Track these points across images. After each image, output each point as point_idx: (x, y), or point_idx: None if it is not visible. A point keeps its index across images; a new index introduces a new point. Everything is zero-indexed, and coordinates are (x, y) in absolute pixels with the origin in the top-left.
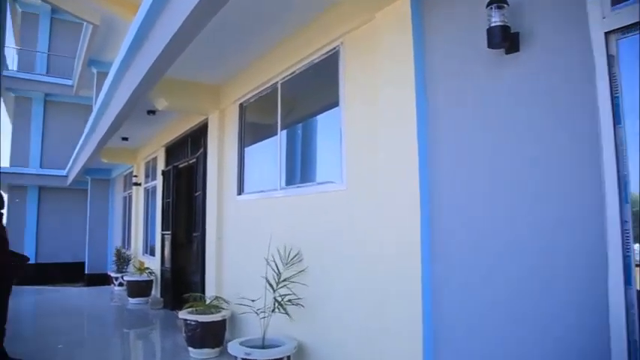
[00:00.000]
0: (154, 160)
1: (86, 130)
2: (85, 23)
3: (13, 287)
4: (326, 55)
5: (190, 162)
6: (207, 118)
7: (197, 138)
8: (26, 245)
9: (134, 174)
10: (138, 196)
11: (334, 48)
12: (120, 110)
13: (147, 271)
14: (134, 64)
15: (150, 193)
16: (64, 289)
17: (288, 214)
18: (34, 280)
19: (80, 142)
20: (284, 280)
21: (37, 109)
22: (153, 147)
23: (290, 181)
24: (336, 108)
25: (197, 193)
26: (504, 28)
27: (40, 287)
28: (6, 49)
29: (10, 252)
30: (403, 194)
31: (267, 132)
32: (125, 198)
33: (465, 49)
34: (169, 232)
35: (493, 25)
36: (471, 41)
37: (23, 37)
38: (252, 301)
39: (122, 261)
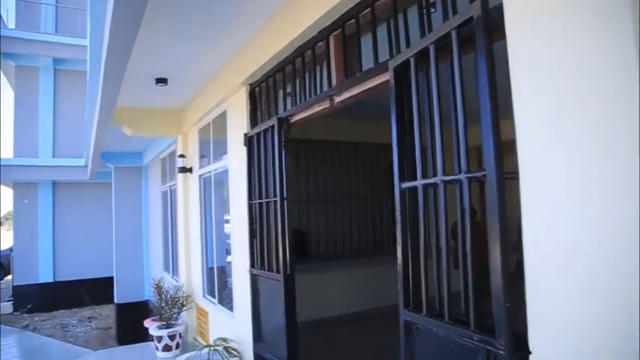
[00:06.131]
0: (220, 119)
1: (88, 73)
2: None
3: None
4: None
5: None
6: None
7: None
8: (41, 259)
9: (178, 153)
10: (187, 189)
11: None
12: None
13: (221, 348)
14: None
15: (210, 185)
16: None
17: None
18: (55, 304)
19: (87, 100)
20: None
21: (45, 81)
22: (220, 91)
23: None
24: None
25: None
26: None
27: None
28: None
29: None
30: None
31: None
32: (165, 194)
33: None
34: (279, 276)
35: None
36: None
37: None
38: None
39: (169, 304)
